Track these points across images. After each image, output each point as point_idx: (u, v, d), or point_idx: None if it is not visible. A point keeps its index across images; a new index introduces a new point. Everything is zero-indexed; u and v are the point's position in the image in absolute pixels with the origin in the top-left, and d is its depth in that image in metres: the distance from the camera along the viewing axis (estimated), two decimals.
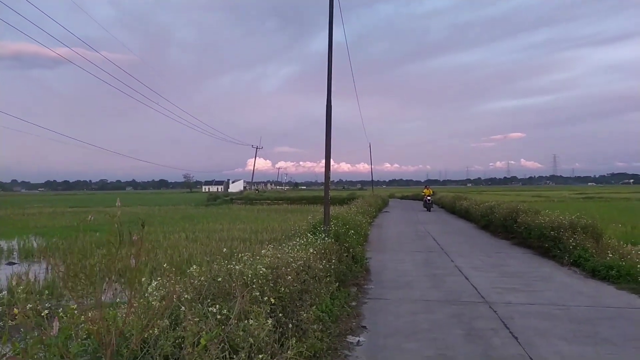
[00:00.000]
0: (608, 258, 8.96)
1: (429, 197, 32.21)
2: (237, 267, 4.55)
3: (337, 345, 5.04)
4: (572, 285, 8.22)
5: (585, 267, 9.32)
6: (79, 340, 2.63)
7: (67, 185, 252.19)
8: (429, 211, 30.80)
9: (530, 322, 5.98)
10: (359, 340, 5.34)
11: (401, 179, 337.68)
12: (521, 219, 13.75)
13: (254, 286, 4.19)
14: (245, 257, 5.31)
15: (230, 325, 3.33)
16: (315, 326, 4.53)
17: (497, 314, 6.38)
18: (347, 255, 8.76)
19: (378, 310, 6.71)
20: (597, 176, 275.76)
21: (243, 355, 3.05)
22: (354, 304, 6.97)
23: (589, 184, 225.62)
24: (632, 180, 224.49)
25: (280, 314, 4.19)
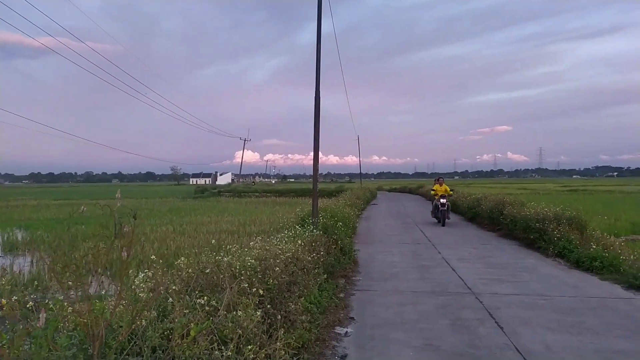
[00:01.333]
0: (592, 249, 9.11)
1: (443, 200, 17.06)
2: (225, 259, 4.55)
3: (325, 336, 5.07)
4: (556, 276, 8.36)
5: (569, 258, 9.47)
6: (66, 332, 2.62)
7: (51, 178, 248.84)
8: (443, 225, 16.76)
9: (516, 312, 6.07)
10: (347, 331, 5.38)
11: (389, 172, 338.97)
12: (507, 211, 13.91)
13: (243, 278, 4.20)
14: (234, 249, 5.32)
15: (218, 316, 3.34)
16: (303, 317, 4.56)
17: (483, 305, 6.47)
18: (335, 247, 8.79)
19: (366, 301, 6.76)
20: (581, 169, 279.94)
21: (232, 346, 3.05)
22: (342, 295, 7.01)
23: (574, 176, 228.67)
24: (615, 173, 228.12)
25: (269, 306, 4.20)
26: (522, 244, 12.11)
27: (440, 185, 18.17)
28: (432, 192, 18.44)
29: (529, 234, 11.62)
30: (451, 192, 18.41)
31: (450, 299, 6.80)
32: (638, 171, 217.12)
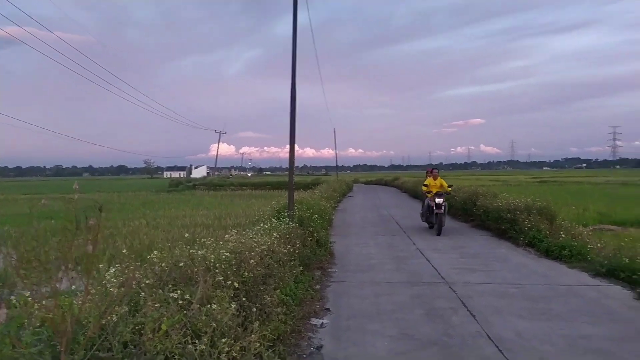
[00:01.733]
0: (561, 239, 9.35)
1: (439, 199, 12.65)
2: (199, 252, 4.49)
3: (301, 328, 5.07)
4: (527, 264, 8.56)
5: (539, 248, 9.71)
6: (32, 328, 2.54)
7: (19, 172, 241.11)
8: (439, 234, 12.41)
9: (488, 301, 6.20)
10: (322, 322, 5.39)
11: (365, 164, 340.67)
12: (480, 202, 14.14)
13: (217, 271, 4.15)
14: (208, 242, 5.25)
15: (192, 310, 3.29)
16: (279, 309, 4.55)
17: (457, 294, 6.57)
18: (311, 240, 8.80)
19: (342, 292, 6.79)
20: (551, 161, 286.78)
21: (206, 339, 3.02)
22: (318, 287, 7.02)
23: (544, 168, 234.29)
24: (584, 165, 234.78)
25: (244, 298, 4.17)
26: (494, 234, 12.35)
27: (435, 178, 13.67)
28: (424, 189, 13.68)
29: (501, 225, 11.85)
30: (449, 189, 13.57)
31: (424, 289, 6.89)
32: (606, 163, 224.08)
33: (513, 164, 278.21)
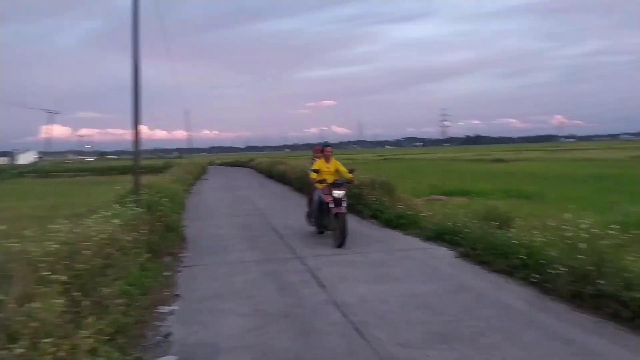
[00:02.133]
0: (398, 209, 10.31)
1: (338, 192, 8.34)
2: (17, 245, 3.91)
3: (147, 318, 4.79)
4: (370, 235, 9.28)
5: (381, 219, 10.56)
6: None
7: None
8: (340, 246, 7.98)
9: (336, 271, 6.57)
10: (172, 309, 5.17)
11: (221, 146, 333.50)
12: None
13: (42, 265, 3.67)
14: (31, 234, 4.60)
15: (7, 311, 2.86)
16: (119, 301, 4.21)
17: (308, 267, 6.85)
18: (159, 224, 8.32)
19: (193, 276, 6.58)
20: (393, 140, 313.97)
21: (24, 342, 2.65)
22: (168, 273, 6.70)
23: (387, 147, 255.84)
24: (421, 143, 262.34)
25: (78, 293, 3.78)
26: None
27: (328, 160, 9.25)
28: (314, 176, 8.92)
29: (349, 199, 12.58)
30: (351, 175, 9.33)
31: (277, 266, 7.03)
32: (438, 141, 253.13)
33: (361, 144, 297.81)
